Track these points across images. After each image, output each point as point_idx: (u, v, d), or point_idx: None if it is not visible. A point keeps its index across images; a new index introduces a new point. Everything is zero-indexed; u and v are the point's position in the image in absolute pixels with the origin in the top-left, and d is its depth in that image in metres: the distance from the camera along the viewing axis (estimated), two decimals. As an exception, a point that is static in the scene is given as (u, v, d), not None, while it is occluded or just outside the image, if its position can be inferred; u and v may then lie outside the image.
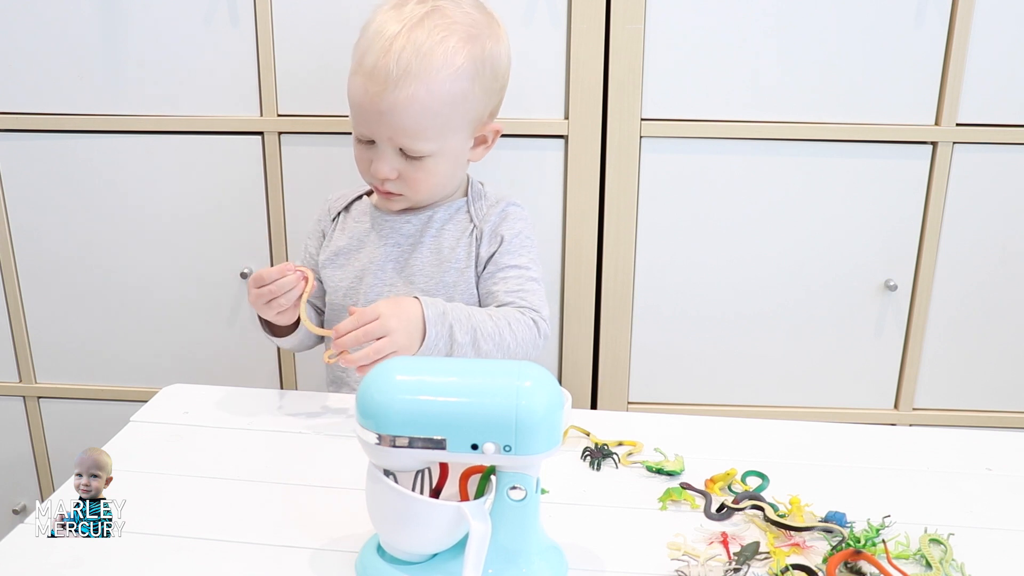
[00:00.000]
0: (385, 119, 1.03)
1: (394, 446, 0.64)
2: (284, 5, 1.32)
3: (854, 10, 1.28)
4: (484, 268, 1.11)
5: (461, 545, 0.68)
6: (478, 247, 1.12)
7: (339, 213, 1.19)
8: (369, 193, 1.20)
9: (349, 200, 1.20)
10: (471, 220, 1.13)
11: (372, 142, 1.07)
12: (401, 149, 1.05)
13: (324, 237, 1.20)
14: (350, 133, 1.34)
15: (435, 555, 0.70)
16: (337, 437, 0.95)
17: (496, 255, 1.11)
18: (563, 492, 0.85)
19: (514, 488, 0.66)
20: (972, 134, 1.32)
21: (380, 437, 0.64)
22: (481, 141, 1.12)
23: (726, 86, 1.32)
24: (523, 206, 1.16)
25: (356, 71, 1.05)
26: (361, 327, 0.93)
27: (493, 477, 0.68)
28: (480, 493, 0.70)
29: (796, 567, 0.73)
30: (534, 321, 1.05)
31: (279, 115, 1.36)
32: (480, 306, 1.11)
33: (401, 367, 0.67)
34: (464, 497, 0.72)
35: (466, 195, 1.16)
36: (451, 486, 0.72)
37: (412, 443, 0.64)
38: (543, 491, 0.76)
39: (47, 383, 1.54)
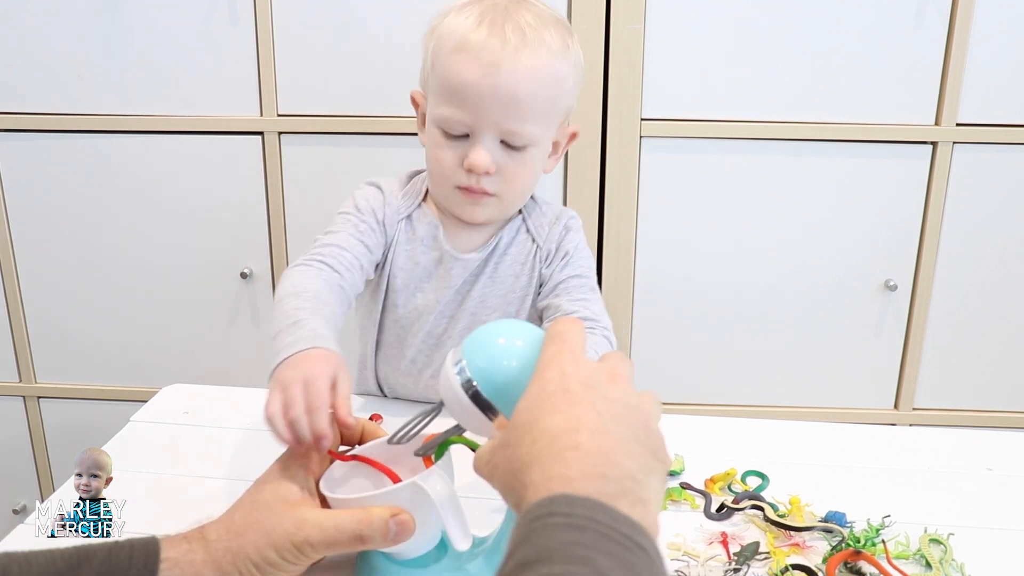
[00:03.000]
0: (500, 96, 0.93)
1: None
2: (284, 5, 1.32)
3: (854, 10, 1.28)
4: (545, 285, 1.03)
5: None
6: (542, 267, 1.03)
7: (401, 220, 1.03)
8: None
9: (411, 208, 1.04)
10: (532, 239, 1.04)
11: (464, 136, 0.96)
12: (502, 141, 0.95)
13: (384, 236, 1.02)
14: (351, 133, 1.35)
15: (433, 554, 0.70)
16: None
17: (559, 270, 1.03)
18: (563, 492, 0.85)
19: None
20: (972, 134, 1.32)
21: None
22: (555, 147, 1.04)
23: (726, 86, 1.32)
24: (578, 216, 1.08)
25: (458, 50, 0.93)
26: None
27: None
28: (440, 454, 0.67)
29: (796, 567, 0.73)
30: (606, 339, 0.98)
31: (279, 115, 1.36)
32: (537, 319, 1.03)
33: None
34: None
35: (519, 211, 1.05)
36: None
37: None
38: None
39: (47, 383, 1.54)
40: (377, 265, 1.02)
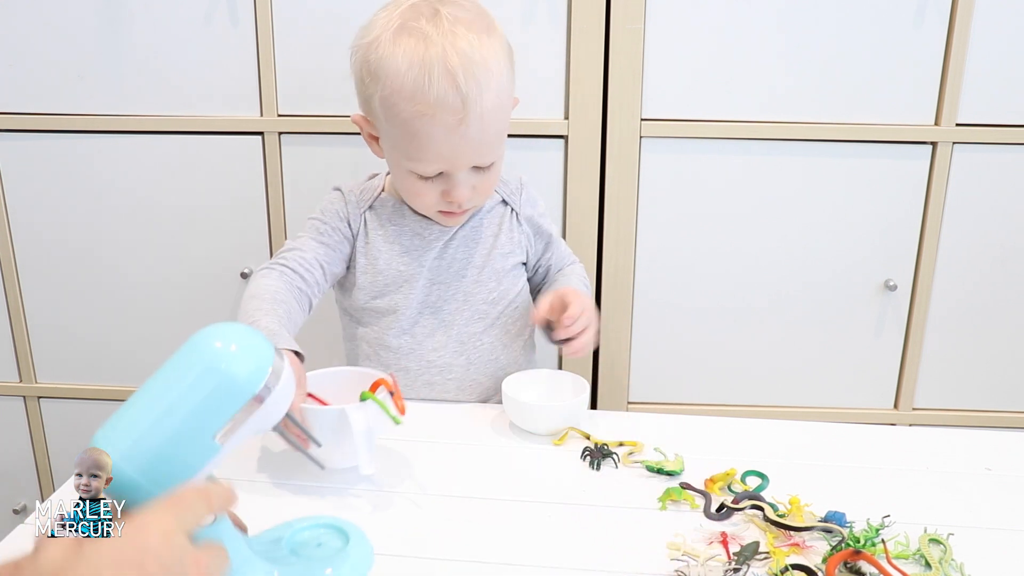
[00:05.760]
0: (471, 143, 0.97)
1: None
2: (284, 5, 1.32)
3: (854, 10, 1.28)
4: (538, 262, 1.18)
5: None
6: (521, 232, 1.14)
7: (364, 211, 1.10)
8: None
9: (371, 199, 1.11)
10: (505, 202, 1.14)
11: (439, 174, 1.01)
12: (474, 167, 1.02)
13: (350, 229, 1.10)
14: (351, 133, 1.35)
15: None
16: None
17: (545, 251, 1.17)
18: (563, 492, 0.85)
19: None
20: (972, 134, 1.32)
21: None
22: None
23: (726, 86, 1.32)
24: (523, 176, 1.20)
25: (420, 115, 0.95)
26: (583, 317, 1.02)
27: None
28: (363, 399, 0.84)
29: (796, 567, 0.73)
30: (584, 269, 1.22)
31: (279, 115, 1.36)
32: (546, 275, 1.19)
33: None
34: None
35: None
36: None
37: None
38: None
39: (47, 383, 1.54)
40: (349, 259, 1.10)
